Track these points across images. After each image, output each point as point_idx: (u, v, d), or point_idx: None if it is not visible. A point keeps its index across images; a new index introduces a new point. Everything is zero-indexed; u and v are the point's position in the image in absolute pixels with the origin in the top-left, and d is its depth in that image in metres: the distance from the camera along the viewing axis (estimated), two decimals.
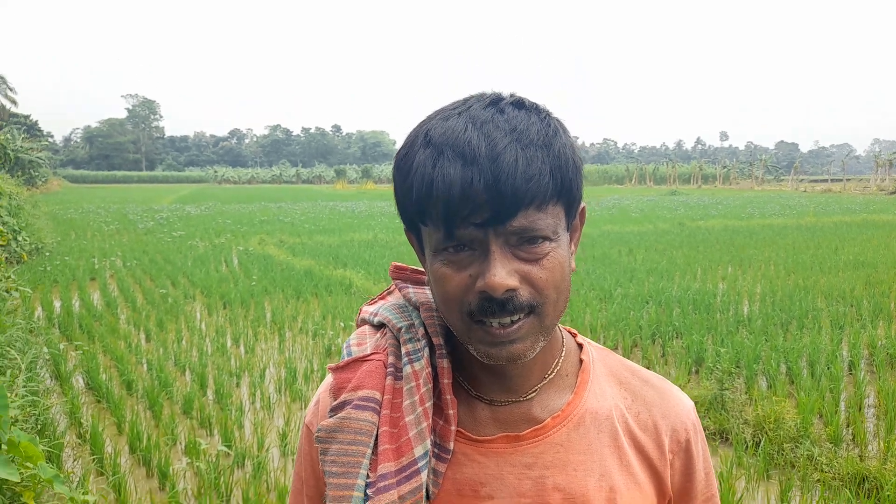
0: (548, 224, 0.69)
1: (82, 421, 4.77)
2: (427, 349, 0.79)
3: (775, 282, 9.75)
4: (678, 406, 0.85)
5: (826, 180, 70.00)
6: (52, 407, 4.90)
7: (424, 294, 0.84)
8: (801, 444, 4.25)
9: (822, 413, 4.81)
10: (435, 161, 0.67)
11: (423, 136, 0.70)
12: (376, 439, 0.75)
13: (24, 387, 4.22)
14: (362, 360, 0.81)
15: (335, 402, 0.78)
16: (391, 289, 0.92)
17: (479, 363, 0.77)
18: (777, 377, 5.50)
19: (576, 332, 0.89)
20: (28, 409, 4.16)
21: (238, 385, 5.78)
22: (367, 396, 0.77)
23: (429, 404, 0.76)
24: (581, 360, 0.85)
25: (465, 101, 0.73)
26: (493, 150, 0.65)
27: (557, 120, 0.73)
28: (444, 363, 0.79)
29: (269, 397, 5.44)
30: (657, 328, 7.03)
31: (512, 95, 0.73)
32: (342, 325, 7.48)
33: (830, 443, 4.33)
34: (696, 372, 5.88)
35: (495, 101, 0.71)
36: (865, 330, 6.95)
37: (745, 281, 9.96)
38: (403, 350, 0.80)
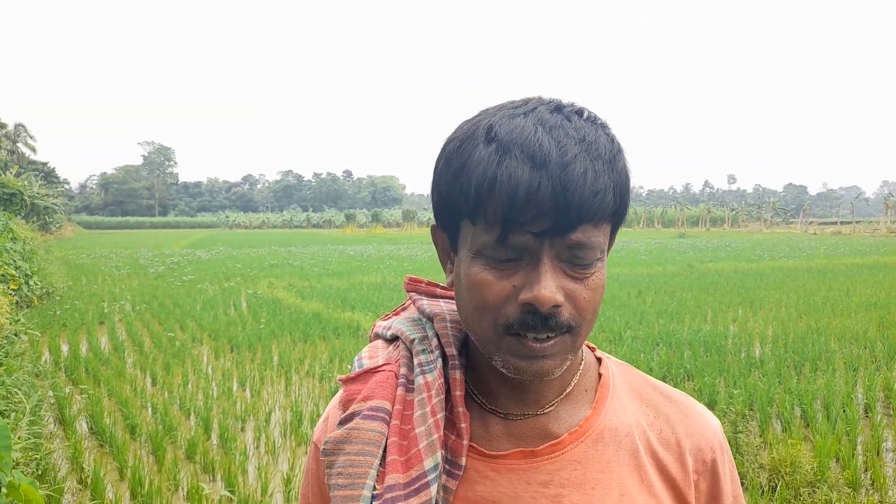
0: (599, 242, 0.67)
1: (84, 466, 4.71)
2: (440, 360, 0.77)
3: (787, 324, 9.63)
4: (703, 424, 0.80)
5: (836, 222, 69.76)
6: (55, 451, 4.85)
7: (438, 306, 0.83)
8: (818, 488, 4.13)
9: (839, 457, 4.69)
10: (501, 158, 0.63)
11: (485, 131, 0.66)
12: (385, 451, 0.72)
13: (27, 430, 4.19)
14: (373, 371, 0.79)
15: (344, 414, 0.75)
16: (406, 304, 0.89)
17: (495, 376, 0.74)
18: (792, 420, 5.38)
19: (594, 346, 0.86)
20: (30, 453, 4.13)
21: (243, 429, 5.72)
22: (376, 406, 0.74)
23: (440, 416, 0.73)
24: (600, 375, 0.81)
25: (526, 101, 0.70)
26: (564, 157, 0.63)
27: (617, 137, 0.70)
28: (457, 374, 0.76)
29: (274, 441, 5.36)
30: (668, 370, 6.93)
31: (573, 104, 0.70)
32: (349, 367, 7.41)
33: (849, 487, 4.20)
34: None
35: (560, 107, 0.68)
36: (880, 372, 6.82)
37: (756, 323, 9.85)
38: (416, 361, 0.78)
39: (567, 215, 0.63)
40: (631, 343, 8.14)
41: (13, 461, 3.11)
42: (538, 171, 0.62)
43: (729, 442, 4.86)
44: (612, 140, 0.68)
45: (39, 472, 4.25)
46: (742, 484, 4.40)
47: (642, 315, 10.41)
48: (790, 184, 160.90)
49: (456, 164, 0.67)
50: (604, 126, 0.69)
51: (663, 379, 6.70)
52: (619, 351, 7.74)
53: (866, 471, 4.55)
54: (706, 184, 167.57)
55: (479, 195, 0.64)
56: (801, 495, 4.13)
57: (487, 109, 0.71)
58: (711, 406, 5.84)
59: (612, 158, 0.66)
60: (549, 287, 0.64)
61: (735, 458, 4.60)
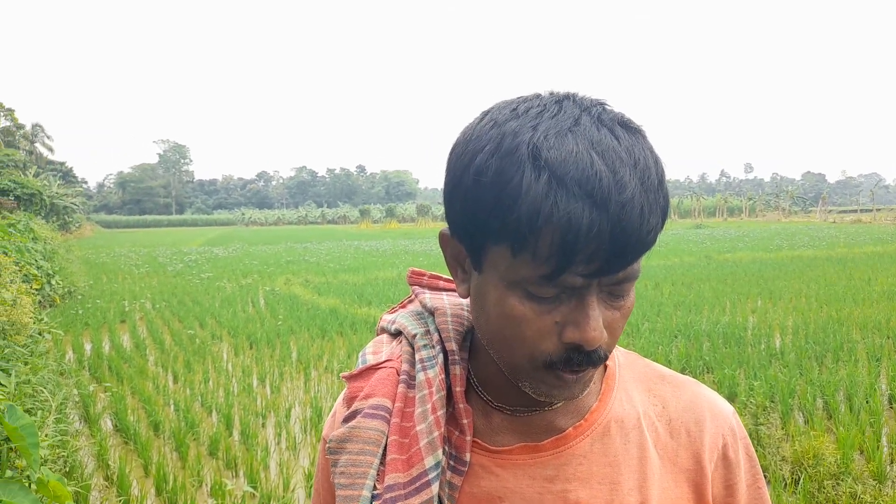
0: (638, 270, 0.64)
1: (110, 463, 4.79)
2: (442, 356, 0.76)
3: (807, 314, 9.52)
4: (714, 410, 0.78)
5: (855, 210, 68.79)
6: (81, 448, 4.93)
7: (440, 299, 0.81)
8: (842, 480, 4.09)
9: (864, 448, 4.64)
10: (556, 192, 0.57)
11: (530, 152, 0.59)
12: (385, 449, 0.72)
13: (54, 427, 4.26)
14: (375, 367, 0.78)
15: (347, 412, 0.75)
16: (412, 297, 0.88)
17: (502, 376, 0.73)
18: (814, 412, 5.33)
19: None
20: (57, 450, 4.20)
21: (264, 425, 5.77)
22: (377, 405, 0.74)
23: (441, 412, 0.72)
24: (606, 366, 0.79)
25: (560, 105, 0.63)
26: (622, 193, 0.58)
27: (653, 147, 0.65)
28: (458, 370, 0.75)
29: (295, 437, 5.41)
30: (687, 362, 6.89)
31: (603, 105, 0.65)
32: None
33: (874, 479, 4.16)
34: None
35: (600, 118, 0.62)
36: None
37: (775, 314, 9.75)
38: (417, 357, 0.77)
39: (622, 257, 0.60)
40: (649, 335, 8.10)
41: (41, 458, 3.17)
42: (598, 211, 0.57)
43: (750, 434, 4.81)
44: (656, 159, 0.63)
45: (67, 469, 4.32)
46: (765, 477, 4.37)
47: (660, 307, 10.35)
48: (808, 172, 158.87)
49: (494, 186, 0.60)
50: (644, 136, 0.65)
51: (682, 371, 6.66)
52: (636, 343, 7.70)
53: (892, 462, 4.51)
54: (722, 173, 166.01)
55: (531, 229, 0.58)
56: (824, 488, 4.09)
57: (516, 110, 0.64)
58: (732, 398, 5.80)
59: (661, 182, 0.62)
60: (599, 328, 0.62)
61: (757, 450, 4.58)
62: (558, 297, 0.62)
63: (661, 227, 0.63)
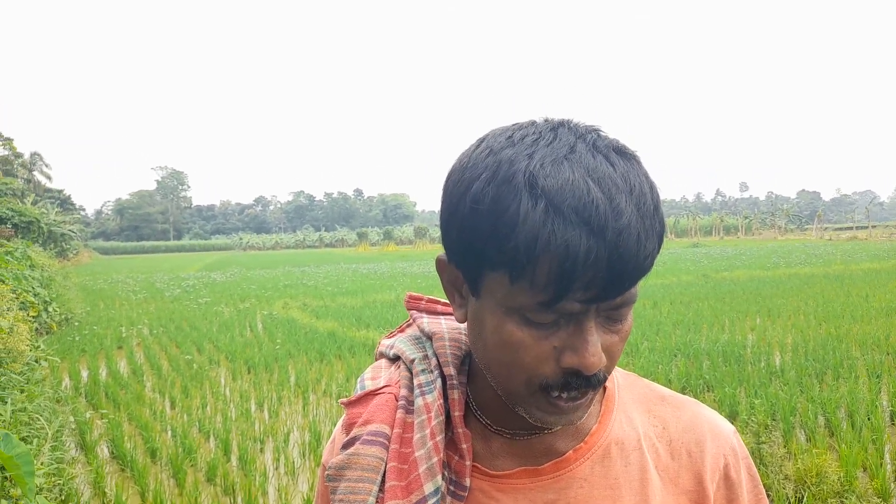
0: (635, 294, 0.64)
1: (106, 490, 4.74)
2: (440, 380, 0.76)
3: (806, 331, 9.51)
4: (715, 430, 0.77)
5: (851, 228, 69.09)
6: (77, 476, 4.88)
7: (438, 324, 0.82)
8: (846, 499, 4.06)
9: (867, 466, 4.61)
10: (553, 220, 0.58)
11: (526, 180, 0.59)
12: (384, 476, 0.72)
13: (49, 455, 4.22)
14: (374, 393, 0.78)
15: (346, 438, 0.75)
16: (410, 321, 0.88)
17: (500, 401, 0.73)
18: (815, 429, 5.30)
19: None
20: (53, 478, 4.15)
21: (262, 450, 5.72)
22: (375, 431, 0.74)
23: (440, 438, 0.72)
24: (605, 388, 0.79)
25: (556, 132, 0.64)
26: (619, 220, 0.58)
27: (647, 171, 0.65)
28: (456, 394, 0.75)
29: (294, 462, 5.36)
30: (687, 381, 6.87)
31: (597, 132, 0.65)
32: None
33: (878, 497, 4.13)
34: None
35: (595, 145, 0.63)
36: None
37: (774, 331, 9.74)
38: (416, 382, 0.77)
39: (620, 283, 0.60)
40: (648, 355, 8.08)
41: (37, 487, 3.14)
42: (595, 239, 0.58)
43: (752, 453, 4.78)
44: (651, 186, 0.64)
45: (63, 498, 4.27)
46: (768, 496, 4.34)
47: (658, 326, 10.33)
48: (803, 190, 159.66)
49: (490, 213, 0.60)
50: (638, 162, 0.65)
51: (682, 390, 6.63)
52: (636, 363, 7.68)
53: None
54: (718, 192, 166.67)
55: (529, 257, 0.59)
56: None
57: (511, 137, 0.64)
58: (733, 417, 5.77)
59: (656, 207, 0.63)
60: (597, 353, 0.62)
61: (759, 469, 4.54)
62: (556, 323, 0.62)
63: (658, 252, 0.63)
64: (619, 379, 0.81)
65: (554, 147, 0.62)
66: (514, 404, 0.68)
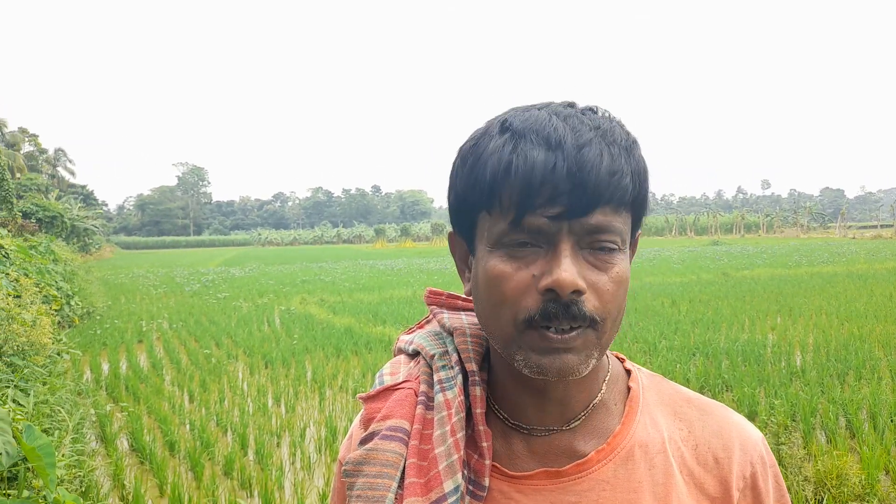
0: (620, 230, 0.65)
1: (125, 482, 4.80)
2: (461, 377, 0.75)
3: (828, 331, 9.37)
4: (742, 437, 0.75)
5: (875, 226, 67.94)
6: (97, 468, 4.95)
7: (459, 319, 0.81)
8: (867, 501, 4.00)
9: (889, 469, 4.53)
10: (515, 144, 0.63)
11: (499, 125, 0.67)
12: (403, 472, 0.71)
13: (70, 447, 4.28)
14: (393, 388, 0.77)
15: (364, 434, 0.74)
16: (429, 317, 0.87)
17: (518, 387, 0.72)
18: (836, 431, 5.22)
19: (623, 357, 0.81)
20: (73, 470, 4.22)
21: (279, 445, 5.76)
22: (395, 426, 0.73)
23: (460, 435, 0.71)
24: (629, 388, 0.77)
25: (542, 102, 0.70)
26: (579, 139, 0.63)
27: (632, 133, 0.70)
28: (478, 391, 0.74)
29: (310, 457, 5.39)
30: (706, 381, 6.80)
31: (588, 105, 0.71)
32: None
33: None
34: None
35: (573, 105, 0.69)
36: None
37: (795, 331, 9.61)
38: (436, 378, 0.76)
39: (584, 195, 0.62)
40: (666, 353, 8.01)
41: (58, 478, 3.19)
42: (553, 152, 0.62)
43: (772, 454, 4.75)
44: (628, 133, 0.68)
45: (83, 489, 4.33)
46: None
47: (677, 324, 10.24)
48: (827, 187, 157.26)
49: (471, 160, 0.67)
50: (619, 122, 0.69)
51: (700, 390, 6.56)
52: (654, 362, 7.61)
53: None
54: (739, 189, 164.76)
55: (495, 181, 0.64)
56: None
57: (501, 113, 0.71)
58: (752, 417, 5.70)
59: (628, 146, 0.66)
60: (570, 270, 0.62)
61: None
62: (536, 252, 0.64)
63: (637, 188, 0.66)
64: (644, 380, 0.79)
65: (534, 105, 0.69)
66: (510, 355, 0.67)
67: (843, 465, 4.29)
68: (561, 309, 0.63)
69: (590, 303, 0.64)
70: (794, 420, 5.51)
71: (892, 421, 5.34)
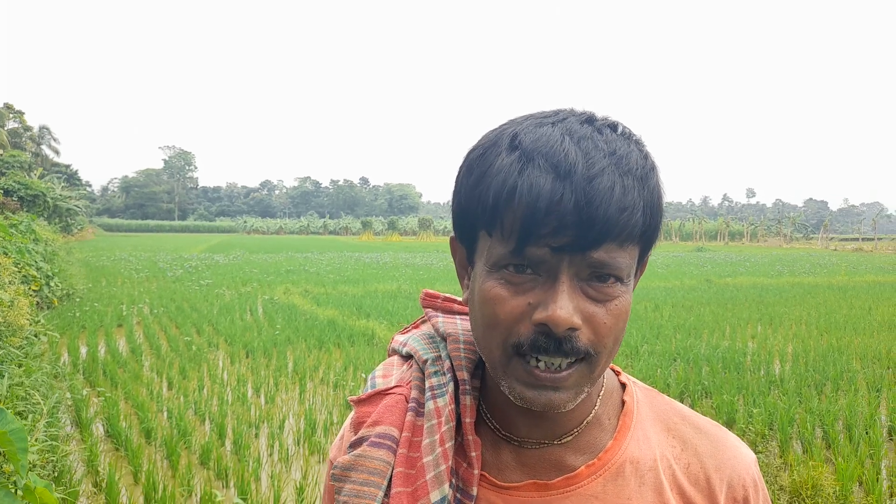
0: (623, 264, 0.62)
1: (99, 469, 4.74)
2: (452, 384, 0.74)
3: (807, 341, 9.47)
4: (735, 458, 0.74)
5: (857, 239, 68.80)
6: (71, 454, 4.88)
7: (453, 324, 0.79)
8: None
9: (863, 480, 4.58)
10: (523, 167, 0.60)
11: (509, 139, 0.64)
12: (391, 480, 0.70)
13: (44, 431, 4.22)
14: (384, 393, 0.76)
15: (354, 438, 0.74)
16: (425, 317, 0.86)
17: (509, 400, 0.70)
18: (813, 441, 5.28)
19: (619, 369, 0.80)
20: (46, 455, 4.15)
21: (257, 436, 5.72)
22: (383, 433, 0.72)
23: (449, 444, 0.70)
24: (623, 402, 0.76)
25: (557, 112, 0.66)
26: (591, 169, 0.59)
27: (651, 154, 0.67)
28: (468, 400, 0.73)
29: (288, 449, 5.35)
30: (685, 387, 6.84)
31: (607, 117, 0.67)
32: (363, 376, 7.40)
33: None
34: None
35: (591, 119, 0.65)
36: None
37: (775, 340, 9.70)
38: (427, 384, 0.75)
39: (590, 231, 0.59)
40: (647, 358, 8.05)
41: (29, 463, 3.13)
42: (561, 181, 0.59)
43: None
44: (646, 157, 0.64)
45: (55, 475, 4.27)
46: None
47: (659, 329, 10.30)
48: (811, 199, 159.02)
49: (477, 173, 0.64)
50: (638, 142, 0.65)
51: (680, 396, 6.61)
52: (635, 366, 7.65)
53: (892, 496, 4.44)
54: (725, 197, 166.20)
55: (497, 204, 0.61)
56: None
57: (514, 119, 0.68)
58: (730, 425, 5.75)
59: (643, 175, 0.62)
60: (566, 307, 0.60)
61: None
62: (535, 280, 0.62)
63: (647, 222, 0.62)
64: (639, 394, 0.78)
65: (547, 119, 0.65)
66: (497, 378, 0.67)
67: (819, 475, 4.34)
68: (553, 344, 0.61)
69: (584, 336, 0.62)
70: (771, 429, 5.56)
71: (867, 433, 5.41)
